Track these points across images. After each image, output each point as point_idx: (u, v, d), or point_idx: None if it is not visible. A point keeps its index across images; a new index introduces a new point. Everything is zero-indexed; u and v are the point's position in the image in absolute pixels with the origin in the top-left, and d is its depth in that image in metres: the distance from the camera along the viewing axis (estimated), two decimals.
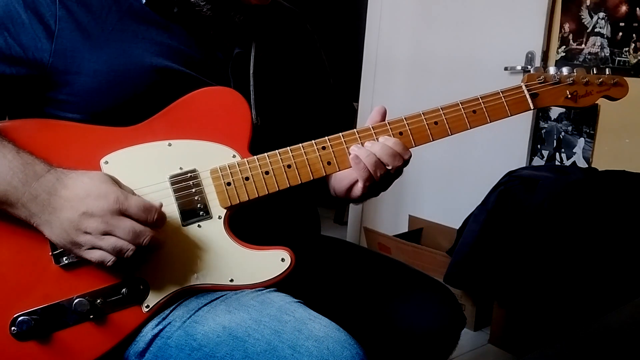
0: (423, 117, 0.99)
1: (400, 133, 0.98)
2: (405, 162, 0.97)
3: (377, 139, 0.97)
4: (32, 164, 0.85)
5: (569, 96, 1.06)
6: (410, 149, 0.99)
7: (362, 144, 0.96)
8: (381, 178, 0.96)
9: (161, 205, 0.87)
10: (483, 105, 1.01)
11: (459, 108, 1.00)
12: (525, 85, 1.04)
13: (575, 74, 1.07)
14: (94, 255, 0.83)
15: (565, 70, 1.07)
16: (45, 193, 0.84)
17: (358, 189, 1.00)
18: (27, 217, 0.84)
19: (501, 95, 1.02)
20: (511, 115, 1.03)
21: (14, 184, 0.84)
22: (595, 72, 1.08)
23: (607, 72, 1.09)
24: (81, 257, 0.85)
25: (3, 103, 0.96)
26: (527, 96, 1.04)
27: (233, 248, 0.92)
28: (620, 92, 1.09)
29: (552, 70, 1.07)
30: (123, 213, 0.83)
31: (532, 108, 1.04)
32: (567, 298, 1.99)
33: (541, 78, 1.05)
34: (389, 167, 0.95)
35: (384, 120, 0.99)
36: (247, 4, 1.02)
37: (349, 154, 0.96)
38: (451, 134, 1.00)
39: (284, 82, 1.11)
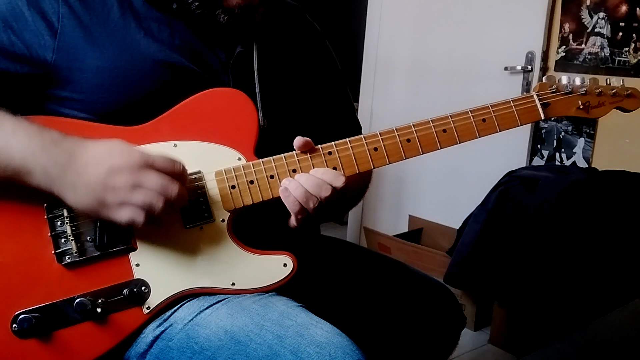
0: (431, 125, 0.97)
1: (408, 140, 0.96)
2: (338, 191, 0.91)
3: (384, 145, 0.96)
4: (48, 130, 0.85)
5: (581, 107, 1.03)
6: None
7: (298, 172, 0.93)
8: (317, 210, 0.91)
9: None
10: (493, 114, 0.99)
11: (469, 116, 0.98)
12: (536, 95, 1.02)
13: (588, 84, 1.04)
14: (124, 214, 0.82)
15: (578, 80, 1.04)
16: (65, 157, 0.83)
17: (292, 221, 0.94)
18: (47, 184, 0.83)
19: (512, 104, 1.00)
20: (521, 125, 1.01)
21: (33, 149, 0.83)
22: (608, 82, 1.06)
23: (622, 83, 1.06)
24: (111, 220, 0.83)
25: (6, 100, 0.96)
26: (539, 106, 1.01)
27: (235, 252, 0.92)
28: (633, 103, 1.06)
29: (564, 79, 1.04)
30: (150, 166, 0.82)
31: (542, 118, 1.02)
32: (567, 298, 1.99)
33: (553, 87, 1.03)
34: (319, 198, 0.90)
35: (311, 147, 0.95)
36: (229, 7, 0.99)
37: (280, 187, 0.93)
38: (459, 142, 0.98)
39: (290, 83, 1.10)
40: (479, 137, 0.99)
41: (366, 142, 0.96)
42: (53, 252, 0.87)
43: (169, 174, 0.83)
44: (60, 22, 0.93)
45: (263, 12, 1.06)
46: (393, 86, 3.19)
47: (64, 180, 0.82)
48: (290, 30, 1.16)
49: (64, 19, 0.94)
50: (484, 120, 0.99)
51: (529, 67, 2.60)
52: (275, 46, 1.09)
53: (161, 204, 0.81)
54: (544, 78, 1.05)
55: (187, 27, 1.00)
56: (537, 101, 1.02)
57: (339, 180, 0.91)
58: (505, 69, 2.66)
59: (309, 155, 0.94)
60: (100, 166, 0.81)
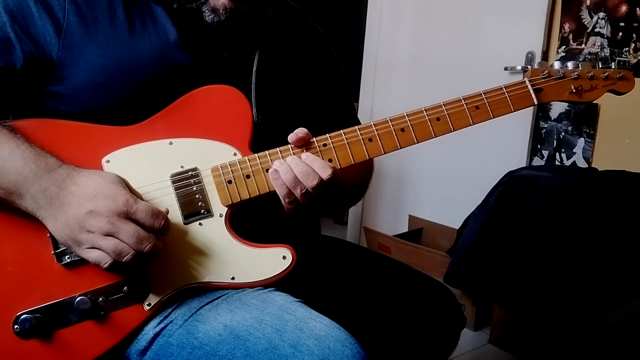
0: (425, 113, 0.98)
1: (402, 129, 0.97)
2: (325, 182, 0.90)
3: (378, 135, 0.96)
4: (44, 156, 0.86)
5: (574, 91, 1.04)
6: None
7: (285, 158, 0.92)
8: (306, 199, 0.91)
9: (167, 212, 0.87)
10: (486, 101, 1.00)
11: (462, 103, 0.99)
12: (529, 80, 1.03)
13: (580, 68, 1.05)
14: (92, 255, 0.83)
15: (570, 65, 1.05)
16: (55, 187, 0.84)
17: (284, 207, 0.94)
18: (33, 210, 0.85)
19: (504, 90, 1.01)
20: (515, 111, 1.02)
21: (25, 174, 0.84)
22: (600, 66, 1.07)
23: (613, 67, 1.07)
24: (79, 256, 0.85)
25: (9, 97, 0.96)
26: (531, 91, 1.02)
27: (234, 246, 0.92)
28: (626, 86, 1.07)
29: (556, 65, 1.05)
30: (130, 217, 0.83)
31: (535, 103, 1.02)
32: (567, 298, 1.99)
33: (545, 73, 1.04)
34: (307, 186, 0.90)
35: (309, 139, 0.95)
36: (214, 7, 0.98)
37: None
38: (454, 130, 0.99)
39: (288, 82, 1.10)
40: (473, 124, 1.00)
41: (360, 133, 0.96)
42: (53, 252, 0.87)
43: (149, 227, 0.84)
44: (65, 19, 0.94)
45: (273, 11, 1.05)
46: (393, 86, 3.19)
47: (49, 210, 0.84)
48: (294, 31, 1.16)
49: (69, 15, 0.94)
50: (477, 107, 1.00)
51: (529, 67, 2.60)
52: (277, 47, 1.10)
53: (130, 256, 0.82)
54: (536, 64, 1.06)
55: (189, 27, 1.00)
56: (529, 86, 1.02)
57: (325, 172, 0.91)
58: (505, 69, 2.66)
59: (304, 148, 0.95)
60: (81, 206, 0.83)
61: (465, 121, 0.99)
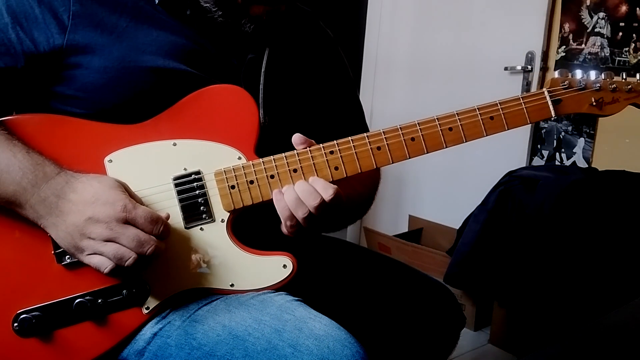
0: (437, 122, 0.94)
1: (412, 139, 0.94)
2: (327, 203, 0.89)
3: (388, 144, 0.94)
4: (42, 164, 0.86)
5: (594, 103, 0.98)
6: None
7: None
8: (308, 221, 0.90)
9: (168, 217, 0.87)
10: (501, 112, 0.95)
11: (476, 114, 0.95)
12: (547, 91, 0.97)
13: (602, 78, 0.98)
14: (93, 260, 0.83)
15: (592, 75, 0.99)
16: (54, 196, 0.84)
17: (284, 229, 0.93)
18: (34, 218, 0.85)
19: (521, 101, 0.96)
20: (531, 123, 0.97)
21: (23, 185, 0.84)
22: (624, 77, 1.00)
23: (638, 78, 1.00)
24: (82, 262, 0.85)
25: (12, 96, 0.96)
26: (549, 102, 0.96)
27: (235, 253, 0.92)
28: None
29: (578, 74, 0.99)
30: (129, 222, 0.83)
31: (553, 116, 0.97)
32: (567, 298, 1.99)
33: (566, 83, 0.97)
34: (309, 207, 0.89)
35: (309, 144, 0.93)
36: (255, 15, 0.99)
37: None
38: (466, 141, 0.95)
39: (296, 84, 1.09)
40: (486, 135, 0.96)
41: (369, 141, 0.94)
42: (53, 252, 0.87)
43: (148, 232, 0.84)
44: (70, 20, 0.93)
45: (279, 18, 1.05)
46: (393, 86, 3.19)
47: (49, 218, 0.84)
48: (303, 35, 1.15)
49: (75, 17, 0.93)
50: (491, 118, 0.95)
51: (529, 67, 2.60)
52: (286, 49, 1.09)
53: (132, 260, 0.82)
54: (556, 72, 0.99)
55: (199, 35, 1.00)
56: (548, 98, 0.97)
57: (327, 192, 0.89)
58: (505, 69, 2.66)
59: (310, 154, 0.93)
60: (80, 213, 0.83)
61: (479, 132, 0.95)
